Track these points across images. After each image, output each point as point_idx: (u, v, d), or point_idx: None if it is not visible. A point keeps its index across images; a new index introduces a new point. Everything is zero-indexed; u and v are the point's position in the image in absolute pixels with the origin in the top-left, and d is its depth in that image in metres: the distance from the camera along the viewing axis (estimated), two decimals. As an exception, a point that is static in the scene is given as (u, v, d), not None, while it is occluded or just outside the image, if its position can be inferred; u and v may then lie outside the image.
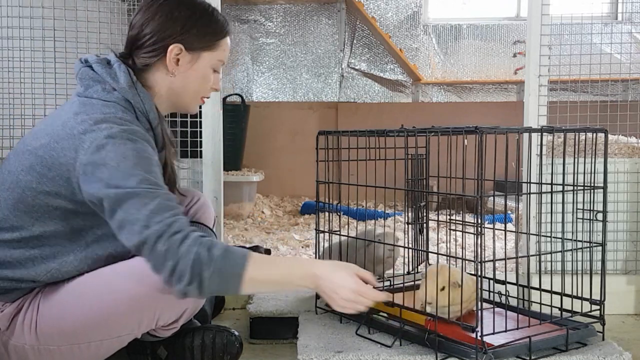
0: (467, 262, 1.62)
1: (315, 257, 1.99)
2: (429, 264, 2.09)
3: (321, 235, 1.97)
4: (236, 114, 4.68)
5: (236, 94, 5.01)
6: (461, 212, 1.68)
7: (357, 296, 1.42)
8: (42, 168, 1.43)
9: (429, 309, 1.63)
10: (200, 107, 2.33)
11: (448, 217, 1.80)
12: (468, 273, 1.72)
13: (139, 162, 1.39)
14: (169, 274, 1.32)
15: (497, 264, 1.83)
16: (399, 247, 1.95)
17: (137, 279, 1.48)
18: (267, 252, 2.68)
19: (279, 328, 2.01)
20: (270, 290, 1.66)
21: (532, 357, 1.54)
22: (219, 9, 2.32)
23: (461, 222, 1.61)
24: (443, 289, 1.62)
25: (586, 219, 1.76)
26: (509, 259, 1.73)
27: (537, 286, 1.83)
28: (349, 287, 1.41)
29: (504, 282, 1.87)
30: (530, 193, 2.10)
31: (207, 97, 1.69)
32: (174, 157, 1.69)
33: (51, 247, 1.47)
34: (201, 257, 1.32)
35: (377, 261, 1.95)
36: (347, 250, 1.94)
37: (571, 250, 1.73)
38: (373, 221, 3.74)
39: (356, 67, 5.73)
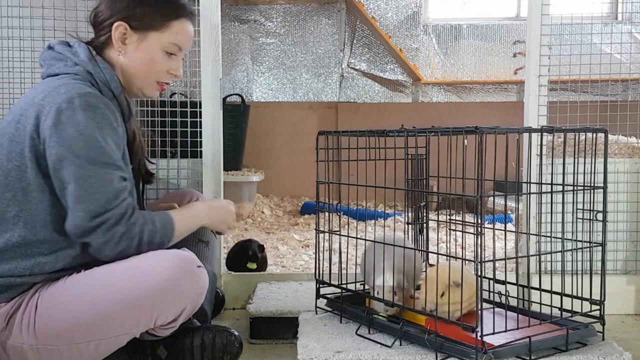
0: (467, 262, 1.61)
1: (316, 260, 1.99)
2: (430, 264, 2.09)
3: (321, 235, 1.97)
4: (236, 114, 4.68)
5: (236, 94, 5.01)
6: (461, 212, 1.68)
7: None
8: (10, 143, 1.48)
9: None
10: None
11: (448, 217, 1.80)
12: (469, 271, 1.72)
13: (97, 132, 1.46)
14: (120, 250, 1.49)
15: (497, 264, 1.83)
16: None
17: (135, 278, 1.48)
18: (261, 248, 2.69)
19: (279, 328, 2.01)
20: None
21: (532, 357, 1.54)
22: (219, 8, 2.33)
23: (461, 222, 1.61)
24: (443, 294, 1.61)
25: (586, 219, 1.76)
26: (509, 259, 1.73)
27: (537, 286, 1.83)
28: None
29: (504, 282, 1.87)
30: (530, 193, 2.10)
31: (166, 83, 1.70)
32: (139, 128, 1.74)
33: (28, 229, 1.48)
34: (150, 233, 1.52)
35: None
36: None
37: (571, 250, 1.73)
38: (373, 221, 3.74)
39: (356, 67, 5.73)
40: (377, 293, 1.75)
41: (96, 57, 1.58)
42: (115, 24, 1.59)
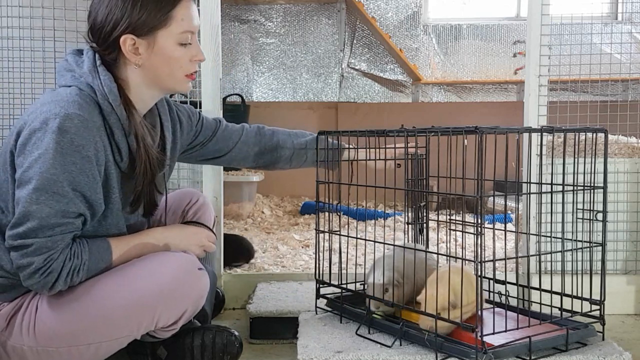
0: (467, 262, 1.61)
1: (316, 260, 1.98)
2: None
3: (321, 235, 1.97)
4: (236, 114, 4.68)
5: (236, 94, 5.01)
6: (461, 212, 1.68)
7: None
8: (4, 154, 1.49)
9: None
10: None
11: (448, 217, 1.80)
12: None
13: (57, 159, 1.39)
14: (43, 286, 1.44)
15: (497, 264, 1.82)
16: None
17: (137, 281, 1.48)
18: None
19: (278, 328, 2.01)
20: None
21: (532, 357, 1.54)
22: (219, 8, 2.33)
23: (461, 222, 1.61)
24: (440, 313, 1.61)
25: (586, 219, 1.76)
26: (509, 259, 1.73)
27: (537, 286, 1.83)
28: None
29: (504, 282, 1.87)
30: (530, 193, 2.10)
31: (195, 71, 1.60)
32: (154, 153, 1.58)
33: None
34: (73, 267, 1.44)
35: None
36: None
37: (571, 250, 1.73)
38: (373, 221, 3.74)
39: (356, 67, 5.73)
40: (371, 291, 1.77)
41: (99, 68, 1.50)
42: (122, 39, 1.50)
